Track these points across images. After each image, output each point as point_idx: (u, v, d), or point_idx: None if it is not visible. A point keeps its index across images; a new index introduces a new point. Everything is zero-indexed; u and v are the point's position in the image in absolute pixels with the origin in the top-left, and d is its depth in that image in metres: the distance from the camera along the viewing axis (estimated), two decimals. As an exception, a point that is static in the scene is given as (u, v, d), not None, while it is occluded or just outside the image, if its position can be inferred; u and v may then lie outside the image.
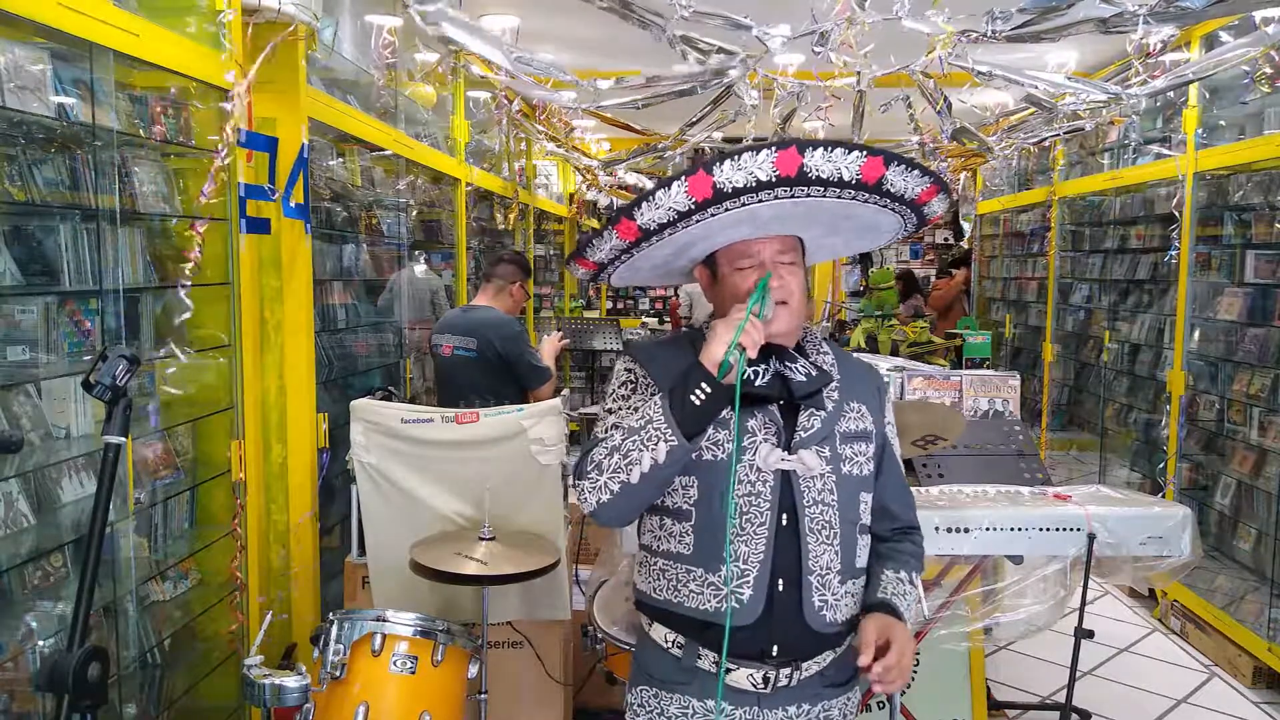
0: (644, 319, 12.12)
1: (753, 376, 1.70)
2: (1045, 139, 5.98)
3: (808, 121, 6.66)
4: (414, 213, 5.37)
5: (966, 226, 9.01)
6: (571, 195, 9.45)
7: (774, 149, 1.53)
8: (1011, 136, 5.94)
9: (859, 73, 4.17)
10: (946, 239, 12.82)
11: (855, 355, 2.09)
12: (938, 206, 1.73)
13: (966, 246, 9.92)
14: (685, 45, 3.96)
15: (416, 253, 5.48)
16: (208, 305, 2.99)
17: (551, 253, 9.54)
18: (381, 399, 3.23)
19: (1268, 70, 4.10)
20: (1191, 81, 4.53)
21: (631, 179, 8.92)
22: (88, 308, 2.67)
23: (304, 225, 3.30)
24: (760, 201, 1.58)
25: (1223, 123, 5.05)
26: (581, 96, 4.46)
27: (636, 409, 1.74)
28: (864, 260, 12.83)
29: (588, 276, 1.83)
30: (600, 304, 11.38)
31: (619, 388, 1.84)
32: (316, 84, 3.60)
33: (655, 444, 1.62)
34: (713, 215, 1.60)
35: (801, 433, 1.74)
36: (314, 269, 3.48)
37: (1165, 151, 5.37)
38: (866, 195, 1.62)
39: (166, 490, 2.95)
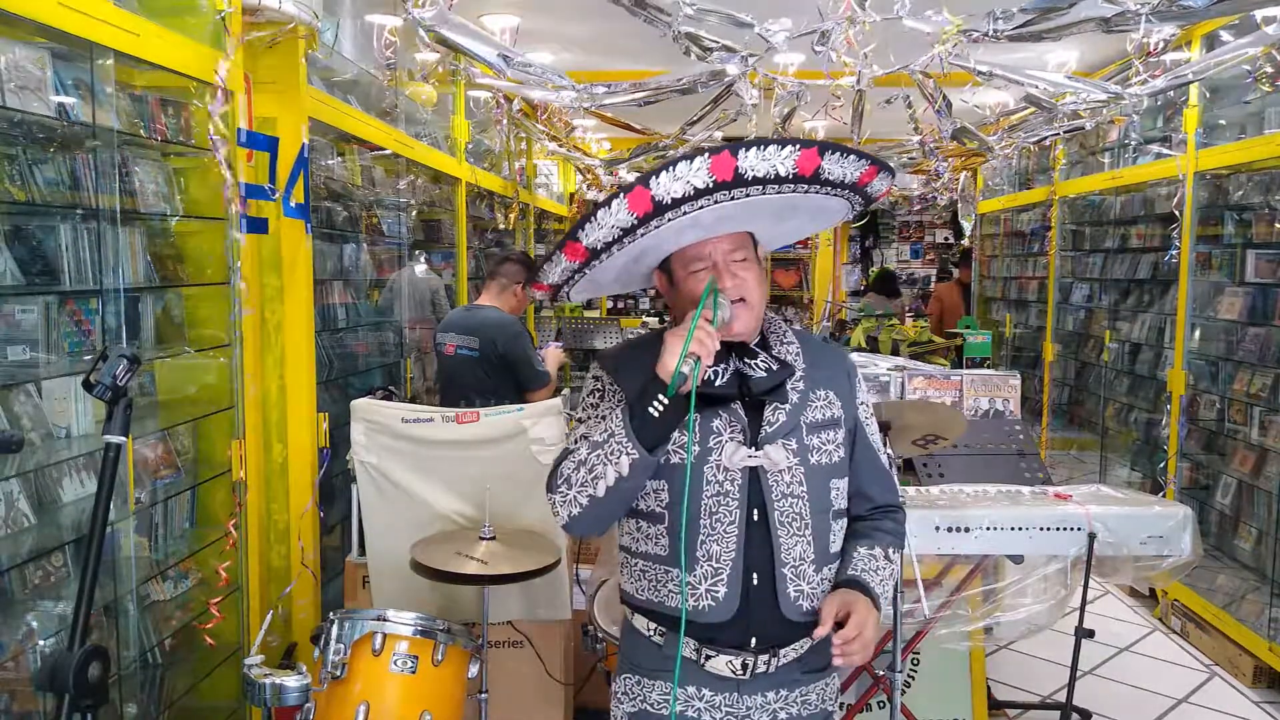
0: (644, 319, 12.11)
1: (712, 377, 1.73)
2: (1046, 138, 5.97)
3: (809, 121, 6.66)
4: (414, 212, 5.37)
5: (966, 226, 9.00)
6: (572, 195, 9.45)
7: (708, 155, 1.54)
8: (1012, 136, 5.93)
9: (859, 72, 4.17)
10: (946, 238, 12.82)
11: (823, 340, 2.11)
12: (880, 184, 1.75)
13: (967, 245, 9.92)
14: (690, 42, 3.95)
15: (417, 252, 5.48)
16: (208, 305, 2.99)
17: (552, 252, 9.51)
18: (382, 398, 3.23)
19: (1269, 70, 4.09)
20: (1192, 81, 4.52)
21: (633, 178, 8.91)
22: (88, 307, 2.67)
23: (304, 225, 3.30)
24: (701, 208, 1.60)
25: (1223, 122, 5.05)
26: (581, 96, 4.46)
27: (604, 418, 1.77)
28: (864, 260, 12.85)
29: (546, 298, 1.85)
30: (600, 304, 11.37)
31: (588, 396, 1.86)
32: (317, 84, 3.60)
33: (618, 458, 1.66)
34: (656, 227, 1.62)
35: (767, 428, 1.75)
36: (314, 269, 3.48)
37: (1165, 151, 5.36)
38: (806, 186, 1.64)
39: (167, 490, 2.95)
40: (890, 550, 1.86)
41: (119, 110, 2.63)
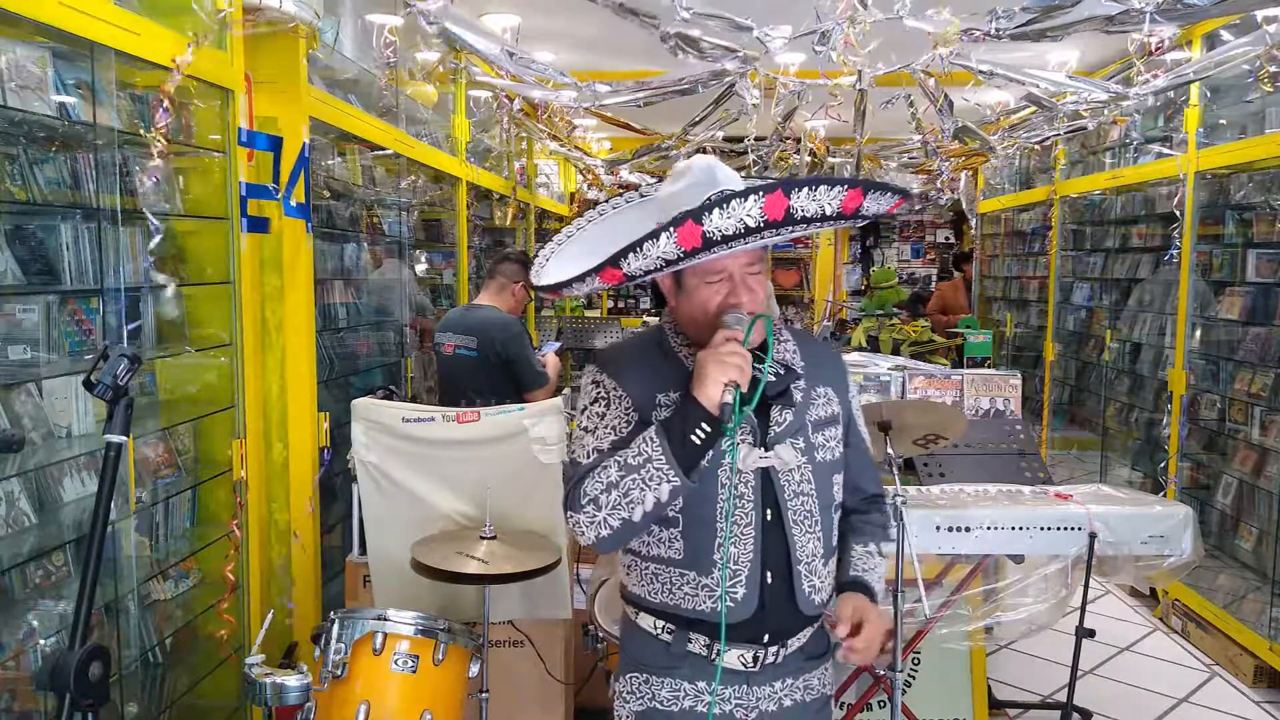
0: (645, 318, 12.11)
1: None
2: (1047, 138, 5.97)
3: (810, 120, 6.66)
4: (415, 212, 5.37)
5: (973, 221, 8.99)
6: (573, 194, 9.45)
7: (762, 194, 1.54)
8: (1013, 135, 5.93)
9: (860, 71, 4.16)
10: (947, 238, 12.82)
11: (811, 335, 2.12)
12: (898, 210, 1.79)
13: (967, 250, 9.92)
14: (682, 43, 3.94)
15: (418, 252, 5.48)
16: (209, 304, 2.99)
17: (552, 252, 9.49)
18: (383, 398, 3.23)
19: (1271, 69, 4.09)
20: (1192, 81, 4.52)
21: (635, 179, 8.92)
22: (89, 307, 2.67)
23: (305, 224, 3.30)
24: (748, 244, 1.60)
25: (1224, 122, 5.05)
26: (582, 96, 4.45)
27: (614, 429, 1.76)
28: (865, 260, 12.84)
29: (548, 295, 1.84)
30: (601, 304, 11.37)
31: (591, 404, 1.83)
32: (318, 83, 3.60)
33: (658, 484, 1.65)
34: (701, 259, 1.63)
35: (775, 428, 1.78)
36: (315, 268, 3.48)
37: (1166, 151, 5.36)
38: (845, 222, 1.67)
39: (168, 489, 2.95)
40: (881, 545, 1.95)
41: (119, 110, 2.63)
